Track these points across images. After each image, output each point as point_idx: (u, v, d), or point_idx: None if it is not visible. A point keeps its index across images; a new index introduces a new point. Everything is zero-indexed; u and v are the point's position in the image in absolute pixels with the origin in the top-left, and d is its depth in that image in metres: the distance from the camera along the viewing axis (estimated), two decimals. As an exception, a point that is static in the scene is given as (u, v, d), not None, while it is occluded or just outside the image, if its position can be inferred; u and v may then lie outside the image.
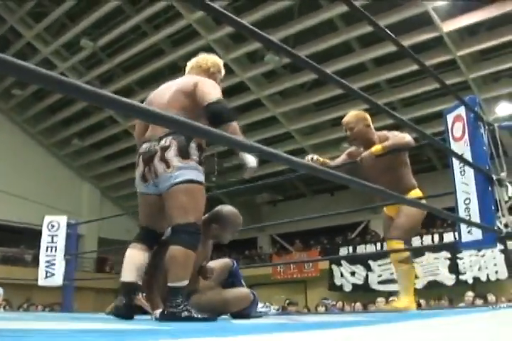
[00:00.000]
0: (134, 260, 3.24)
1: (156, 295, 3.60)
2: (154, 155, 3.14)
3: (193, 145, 3.15)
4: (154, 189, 3.21)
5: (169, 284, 2.98)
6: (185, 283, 2.99)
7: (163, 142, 3.14)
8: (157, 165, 3.13)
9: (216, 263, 3.88)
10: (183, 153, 3.13)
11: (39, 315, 4.01)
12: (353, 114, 4.60)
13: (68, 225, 7.02)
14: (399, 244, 4.39)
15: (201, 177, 3.20)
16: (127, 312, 3.09)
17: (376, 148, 4.41)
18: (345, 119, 4.64)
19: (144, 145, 3.23)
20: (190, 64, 3.68)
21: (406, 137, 4.46)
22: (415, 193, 4.49)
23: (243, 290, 3.73)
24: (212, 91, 3.25)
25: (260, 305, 4.04)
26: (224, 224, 3.71)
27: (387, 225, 4.64)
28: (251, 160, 3.19)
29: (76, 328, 1.67)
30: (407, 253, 4.43)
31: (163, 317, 2.93)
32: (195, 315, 2.88)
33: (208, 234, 3.65)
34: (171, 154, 3.12)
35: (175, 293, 2.96)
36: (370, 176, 4.42)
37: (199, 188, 3.17)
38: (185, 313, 2.87)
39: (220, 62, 3.68)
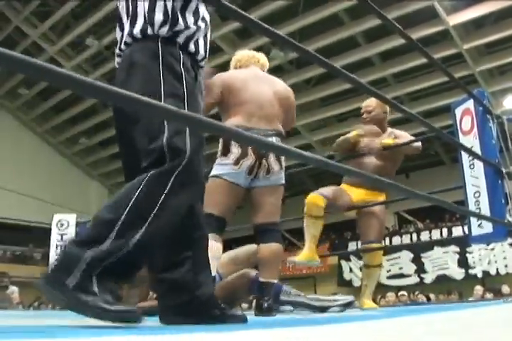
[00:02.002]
0: (216, 253, 3.12)
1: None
2: (269, 153, 3.22)
3: None
4: (249, 182, 3.25)
5: (270, 280, 3.14)
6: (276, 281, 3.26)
7: (274, 140, 3.21)
8: (273, 163, 3.24)
9: (241, 250, 3.79)
10: (280, 160, 3.34)
11: (54, 313, 4.02)
12: (373, 99, 4.64)
13: (77, 223, 7.04)
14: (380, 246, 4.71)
15: None
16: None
17: (388, 141, 4.51)
18: (365, 102, 4.74)
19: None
20: (253, 56, 3.74)
21: (418, 143, 4.63)
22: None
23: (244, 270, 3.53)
24: None
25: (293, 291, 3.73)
26: None
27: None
28: None
29: (91, 325, 1.68)
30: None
31: (264, 312, 3.01)
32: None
33: None
34: (273, 159, 3.27)
35: (271, 288, 3.14)
36: (364, 167, 4.54)
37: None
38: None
39: None
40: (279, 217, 3.30)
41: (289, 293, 3.54)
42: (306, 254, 4.44)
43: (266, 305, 2.98)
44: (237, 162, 3.16)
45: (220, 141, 3.28)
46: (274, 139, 3.20)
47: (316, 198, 4.43)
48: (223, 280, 3.48)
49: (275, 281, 3.15)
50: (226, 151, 3.20)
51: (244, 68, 3.64)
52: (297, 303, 3.48)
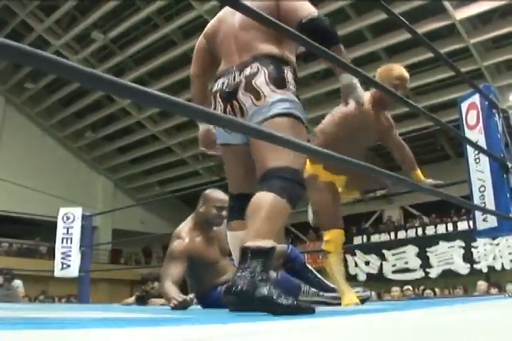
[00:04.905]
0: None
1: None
2: (238, 88, 2.38)
3: (289, 74, 2.44)
4: (242, 135, 2.44)
5: (247, 244, 2.07)
6: (270, 243, 2.08)
7: (248, 69, 2.38)
8: (242, 99, 2.36)
9: None
10: (278, 81, 2.37)
11: (59, 306, 4.05)
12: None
13: (83, 217, 7.06)
14: None
15: (304, 114, 2.41)
16: None
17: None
18: (407, 75, 3.63)
19: (220, 81, 2.49)
20: None
21: None
22: None
23: None
24: (305, 5, 2.44)
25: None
26: (204, 200, 3.79)
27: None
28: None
29: (99, 317, 1.70)
30: None
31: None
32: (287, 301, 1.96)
33: (202, 218, 3.77)
34: (261, 81, 2.35)
35: (254, 256, 2.04)
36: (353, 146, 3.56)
37: (302, 128, 2.38)
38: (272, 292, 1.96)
39: None
40: (275, 161, 2.24)
41: (308, 292, 3.55)
42: (351, 298, 3.44)
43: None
44: None
45: None
46: (254, 66, 2.39)
47: (341, 233, 3.65)
48: None
49: (262, 245, 2.05)
50: None
51: None
52: (315, 303, 3.46)
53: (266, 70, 2.35)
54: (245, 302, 1.93)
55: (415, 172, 3.83)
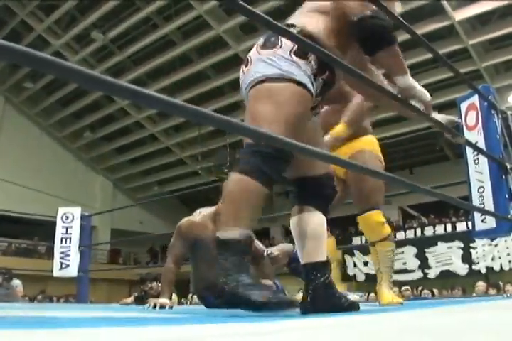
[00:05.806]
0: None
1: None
2: None
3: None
4: None
5: (217, 234, 1.97)
6: (238, 233, 1.94)
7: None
8: (240, 74, 2.24)
9: (276, 249, 3.90)
10: (268, 42, 2.13)
11: (58, 306, 4.05)
12: None
13: (82, 217, 7.05)
14: (381, 215, 3.48)
15: (295, 71, 2.03)
16: None
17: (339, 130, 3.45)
18: None
19: None
20: None
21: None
22: (366, 140, 3.61)
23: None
24: (357, 4, 2.14)
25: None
26: None
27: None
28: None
29: (98, 316, 1.70)
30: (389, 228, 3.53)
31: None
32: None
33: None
34: (253, 51, 2.19)
35: (223, 250, 1.93)
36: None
37: (290, 89, 2.02)
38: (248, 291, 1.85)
39: None
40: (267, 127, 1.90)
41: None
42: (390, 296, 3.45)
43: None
44: None
45: None
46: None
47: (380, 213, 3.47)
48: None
49: (228, 236, 1.93)
50: None
51: None
52: None
53: (262, 39, 2.19)
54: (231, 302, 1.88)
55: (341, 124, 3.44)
